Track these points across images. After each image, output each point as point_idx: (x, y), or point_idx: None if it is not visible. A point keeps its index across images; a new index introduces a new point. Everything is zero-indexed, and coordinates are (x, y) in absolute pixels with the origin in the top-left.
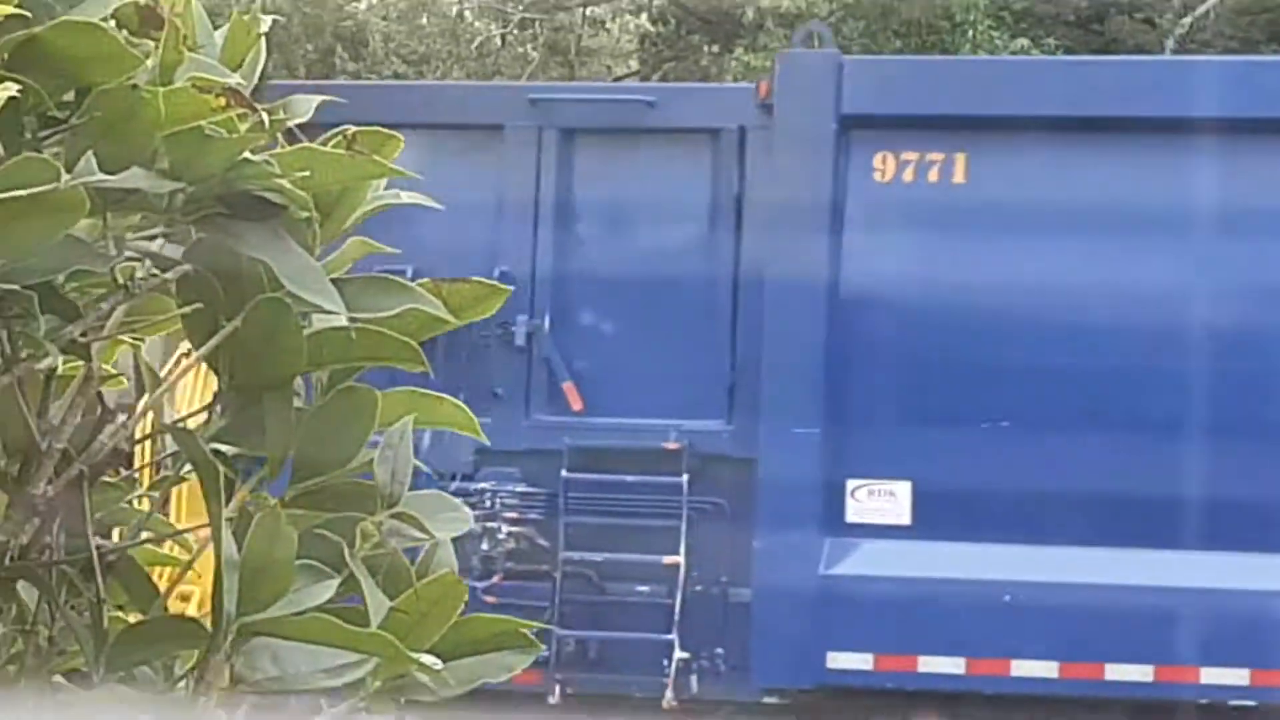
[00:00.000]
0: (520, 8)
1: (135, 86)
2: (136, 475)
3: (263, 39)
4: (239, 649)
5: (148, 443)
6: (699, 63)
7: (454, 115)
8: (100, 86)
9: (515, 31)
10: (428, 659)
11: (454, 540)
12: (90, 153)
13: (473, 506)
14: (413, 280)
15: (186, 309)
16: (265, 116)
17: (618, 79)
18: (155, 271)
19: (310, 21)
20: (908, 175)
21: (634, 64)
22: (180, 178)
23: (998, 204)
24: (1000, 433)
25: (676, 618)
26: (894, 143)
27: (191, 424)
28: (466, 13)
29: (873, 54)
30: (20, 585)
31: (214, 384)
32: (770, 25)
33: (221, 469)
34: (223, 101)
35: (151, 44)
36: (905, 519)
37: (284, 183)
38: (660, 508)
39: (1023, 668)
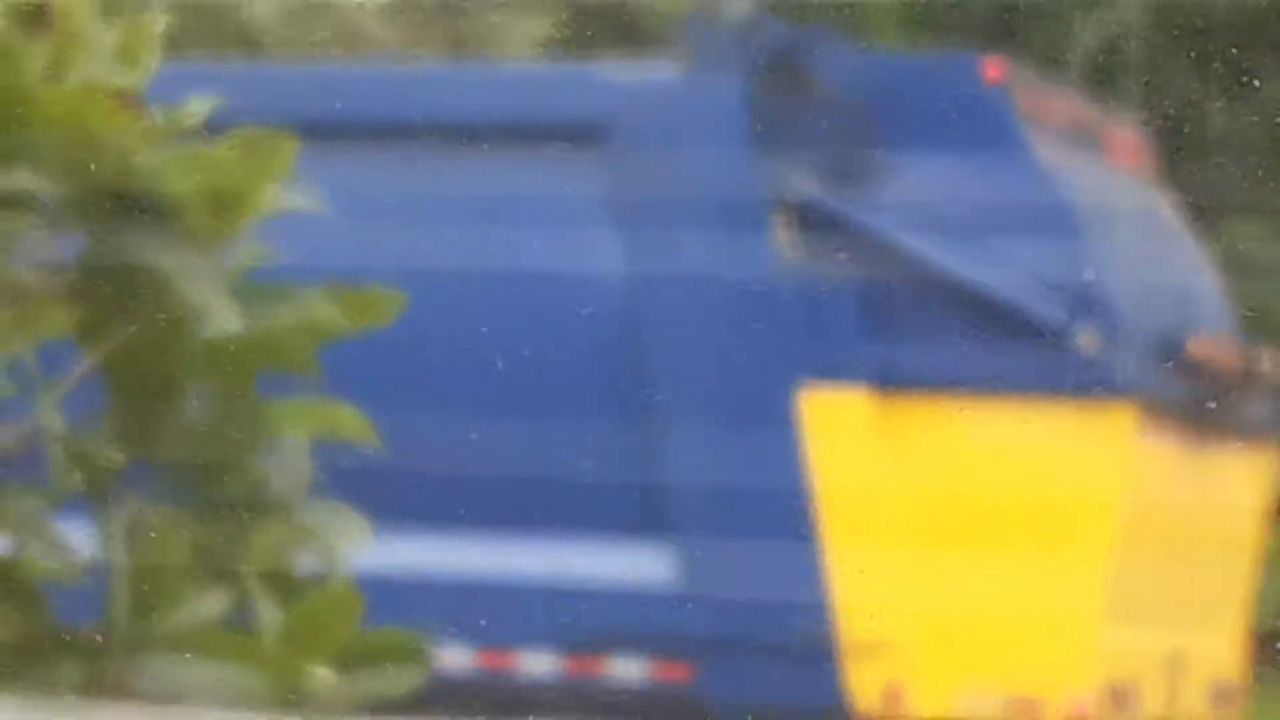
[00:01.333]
0: (421, 12)
1: (23, 86)
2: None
3: (157, 39)
4: (128, 661)
5: None
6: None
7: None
8: None
9: (416, 34)
10: (322, 672)
11: None
12: None
13: None
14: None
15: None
16: (158, 118)
17: None
18: (46, 275)
19: (205, 24)
20: None
21: None
22: (70, 179)
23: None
24: None
25: None
26: None
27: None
28: (366, 16)
29: None
30: None
31: None
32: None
33: (110, 478)
34: (115, 103)
35: (42, 43)
36: None
37: (177, 185)
38: None
39: None
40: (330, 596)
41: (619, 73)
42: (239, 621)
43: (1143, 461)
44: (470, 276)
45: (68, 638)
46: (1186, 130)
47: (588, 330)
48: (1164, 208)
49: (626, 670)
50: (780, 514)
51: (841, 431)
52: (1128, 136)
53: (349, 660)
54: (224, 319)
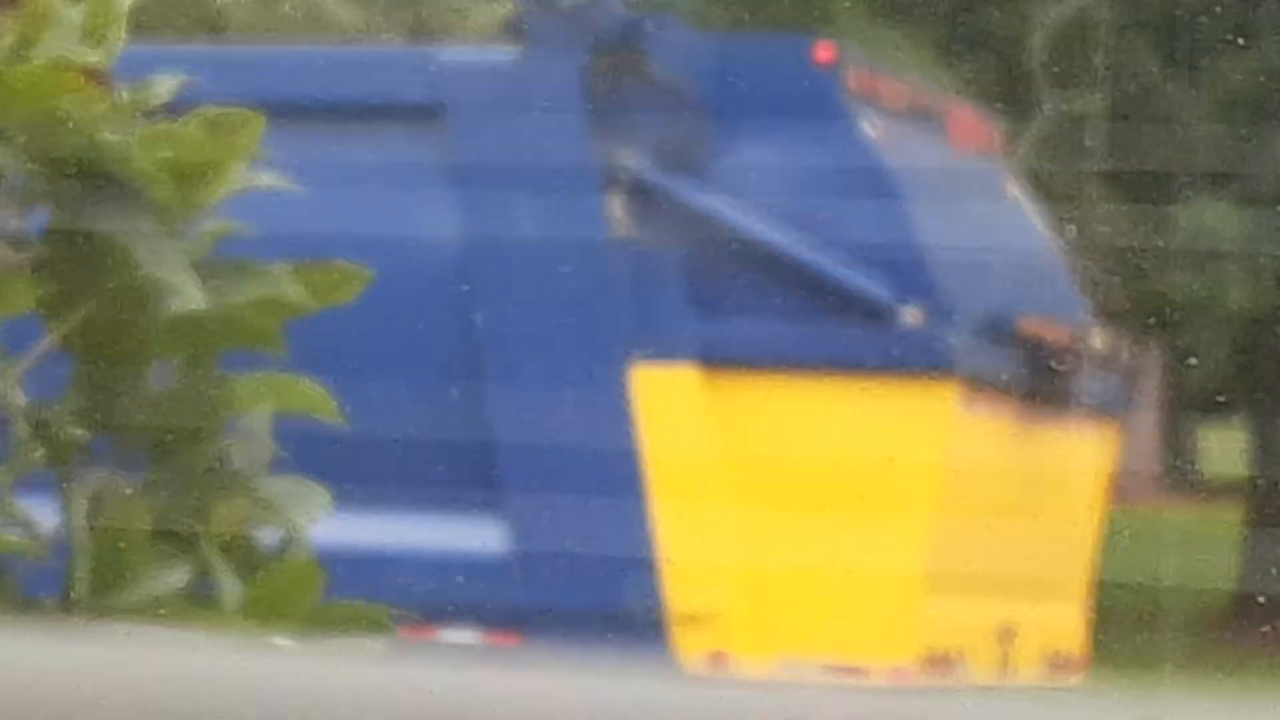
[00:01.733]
0: None
1: None
2: None
3: (124, 18)
4: (90, 636)
5: None
6: None
7: None
8: None
9: (379, 18)
10: (283, 644)
11: None
12: None
13: None
14: None
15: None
16: (125, 96)
17: None
18: (10, 251)
19: (169, 4)
20: None
21: None
22: (36, 157)
23: None
24: None
25: None
26: None
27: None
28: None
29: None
30: None
31: None
32: None
33: (73, 452)
34: (81, 80)
35: (8, 21)
36: None
37: (143, 164)
38: None
39: None
40: (291, 569)
41: (459, 55)
42: (201, 594)
43: (967, 436)
44: (311, 242)
45: (32, 611)
46: (1146, 110)
47: (425, 302)
48: (1008, 188)
49: (458, 640)
50: (609, 484)
51: (671, 405)
52: (971, 118)
53: (310, 632)
54: (188, 295)
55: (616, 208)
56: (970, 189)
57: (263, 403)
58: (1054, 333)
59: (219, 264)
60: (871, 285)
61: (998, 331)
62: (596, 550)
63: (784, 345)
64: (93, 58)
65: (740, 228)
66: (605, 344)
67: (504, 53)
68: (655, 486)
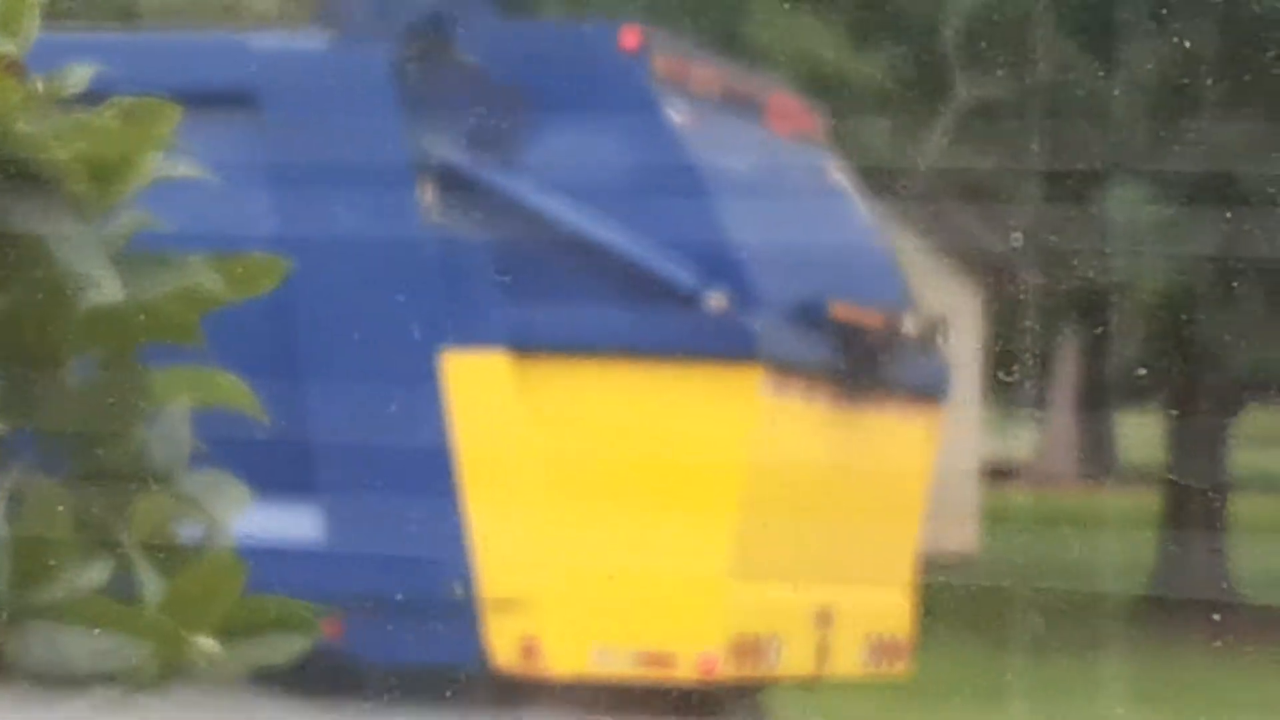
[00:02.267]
0: None
1: None
2: None
3: (36, 7)
4: (10, 633)
5: None
6: None
7: None
8: None
9: (293, 6)
10: (205, 641)
11: None
12: None
13: None
14: None
15: None
16: (40, 86)
17: None
18: None
19: None
20: None
21: None
22: None
23: None
24: None
25: None
26: None
27: None
28: None
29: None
30: None
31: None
32: None
33: None
34: None
35: None
36: None
37: (59, 155)
38: None
39: None
40: (212, 565)
41: (270, 41)
42: (121, 591)
43: (774, 422)
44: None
45: None
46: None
47: None
48: (829, 173)
49: None
50: (422, 472)
51: (482, 392)
52: (790, 103)
53: (232, 629)
54: (106, 288)
55: (428, 195)
56: (788, 175)
57: (182, 396)
58: (869, 318)
59: (136, 257)
60: (677, 271)
61: (808, 317)
62: (411, 538)
63: (592, 331)
64: (6, 47)
65: (550, 214)
66: (417, 330)
67: (316, 39)
68: (467, 472)
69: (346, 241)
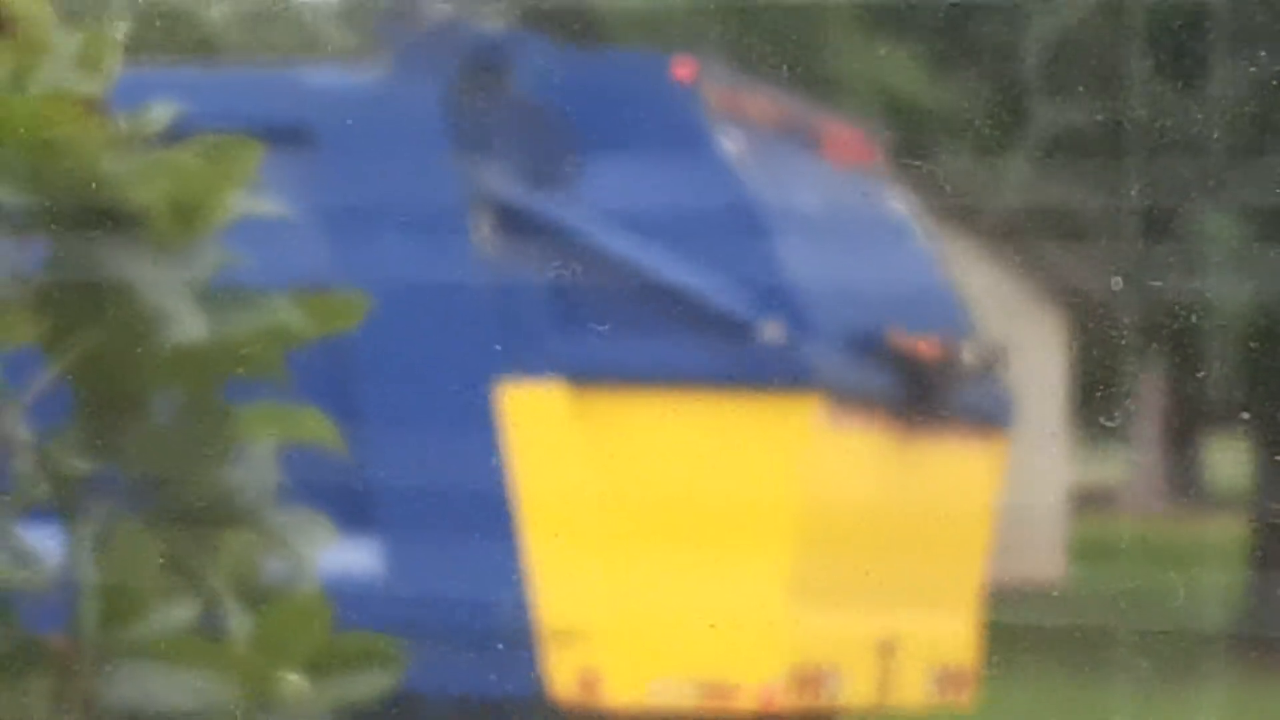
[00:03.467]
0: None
1: None
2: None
3: (119, 46)
4: (99, 672)
5: None
6: None
7: None
8: None
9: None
10: (293, 678)
11: None
12: None
13: None
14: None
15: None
16: (123, 125)
17: None
18: (11, 284)
19: (164, 31)
20: None
21: None
22: (36, 188)
23: None
24: None
25: None
26: None
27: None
28: (322, 19)
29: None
30: None
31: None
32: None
33: (77, 486)
34: (79, 109)
35: (4, 52)
36: None
37: (142, 194)
38: None
39: None
40: (299, 602)
41: (322, 76)
42: (209, 629)
43: (833, 451)
44: None
45: (37, 647)
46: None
47: None
48: (889, 203)
49: None
50: (481, 507)
51: (540, 425)
52: (848, 133)
53: (320, 665)
54: (189, 326)
55: (483, 228)
56: (844, 205)
57: (266, 433)
58: (928, 348)
59: (219, 294)
60: (733, 301)
61: (867, 347)
62: (470, 569)
63: (648, 362)
64: (89, 87)
65: (604, 246)
66: (474, 363)
67: (369, 73)
68: (525, 503)
69: (400, 276)
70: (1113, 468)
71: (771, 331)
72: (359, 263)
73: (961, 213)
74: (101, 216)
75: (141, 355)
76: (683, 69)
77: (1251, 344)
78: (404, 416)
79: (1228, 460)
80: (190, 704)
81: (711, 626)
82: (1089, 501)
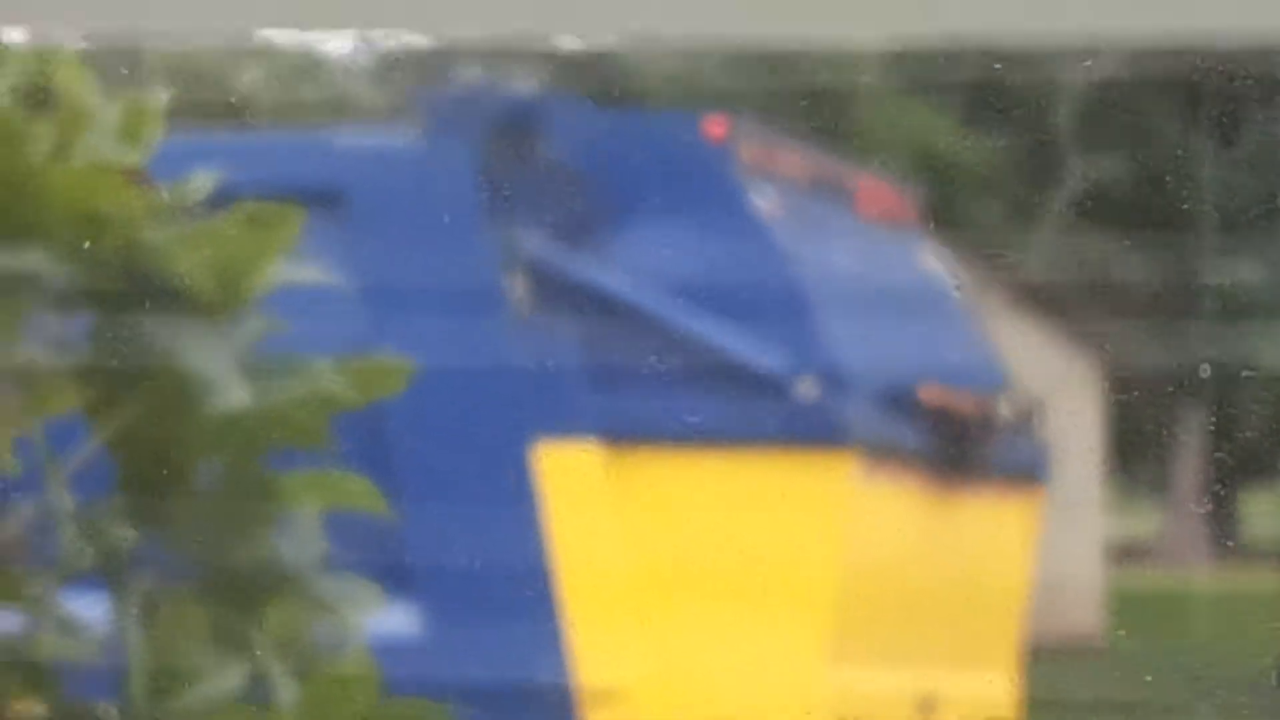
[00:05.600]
0: (411, 74)
1: (29, 166)
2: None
3: (160, 115)
4: None
5: None
6: None
7: None
8: None
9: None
10: None
11: None
12: None
13: None
14: None
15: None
16: (165, 194)
17: None
18: (53, 353)
19: (198, 96)
20: None
21: None
22: (78, 258)
23: None
24: None
25: None
26: None
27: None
28: (354, 80)
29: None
30: None
31: None
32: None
33: (122, 555)
34: (121, 180)
35: (46, 122)
36: None
37: (185, 263)
38: None
39: None
40: (347, 670)
41: (354, 139)
42: (256, 698)
43: (868, 509)
44: None
45: (84, 718)
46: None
47: None
48: (924, 259)
49: None
50: (519, 569)
51: (576, 486)
52: (880, 189)
53: None
54: (233, 393)
55: (516, 289)
56: (877, 261)
57: (311, 500)
58: (961, 403)
59: (263, 360)
60: (767, 359)
61: (900, 404)
62: (506, 628)
63: (683, 421)
64: (131, 156)
65: (638, 305)
66: (510, 425)
67: (400, 136)
68: (562, 563)
69: (435, 343)
70: (1150, 522)
71: (806, 388)
72: (392, 328)
73: (995, 268)
74: (144, 286)
75: (185, 424)
76: (715, 127)
77: None
78: (441, 481)
79: (1265, 512)
80: None
81: (749, 684)
82: (1127, 556)
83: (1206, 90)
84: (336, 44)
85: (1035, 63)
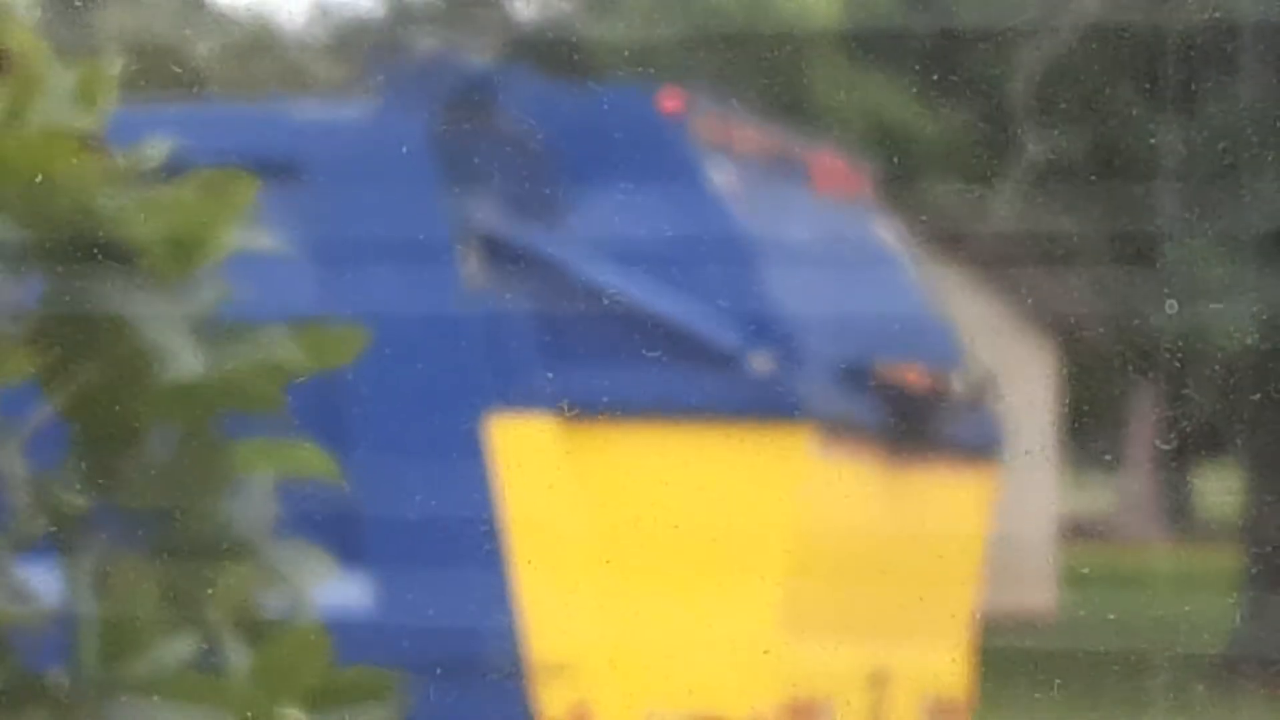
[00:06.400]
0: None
1: None
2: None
3: (115, 82)
4: (98, 709)
5: None
6: None
7: None
8: None
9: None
10: (292, 713)
11: None
12: None
13: None
14: None
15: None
16: (120, 161)
17: None
18: (7, 320)
19: (152, 66)
20: None
21: None
22: (31, 224)
23: None
24: None
25: None
26: None
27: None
28: (309, 53)
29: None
30: None
31: None
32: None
33: (75, 522)
34: (76, 145)
35: (1, 88)
36: None
37: (139, 229)
38: None
39: None
40: (298, 636)
41: (309, 110)
42: (208, 664)
43: (822, 482)
44: None
45: (35, 685)
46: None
47: None
48: (877, 233)
49: None
50: (470, 540)
51: (529, 457)
52: (835, 163)
53: (320, 700)
54: (185, 360)
55: (470, 260)
56: (833, 234)
57: (264, 467)
58: (916, 378)
59: (216, 328)
60: (721, 333)
61: (855, 378)
62: (460, 601)
63: (637, 394)
64: (86, 122)
65: (592, 279)
66: (462, 396)
67: (356, 107)
68: (516, 538)
69: (387, 309)
70: (1104, 495)
71: (760, 362)
72: (347, 296)
73: (950, 241)
74: (98, 252)
75: (139, 390)
76: (670, 100)
77: (1242, 370)
78: (393, 449)
79: (1218, 487)
80: None
81: (703, 658)
82: (1080, 530)
83: (1163, 63)
84: (291, 14)
85: (992, 36)
